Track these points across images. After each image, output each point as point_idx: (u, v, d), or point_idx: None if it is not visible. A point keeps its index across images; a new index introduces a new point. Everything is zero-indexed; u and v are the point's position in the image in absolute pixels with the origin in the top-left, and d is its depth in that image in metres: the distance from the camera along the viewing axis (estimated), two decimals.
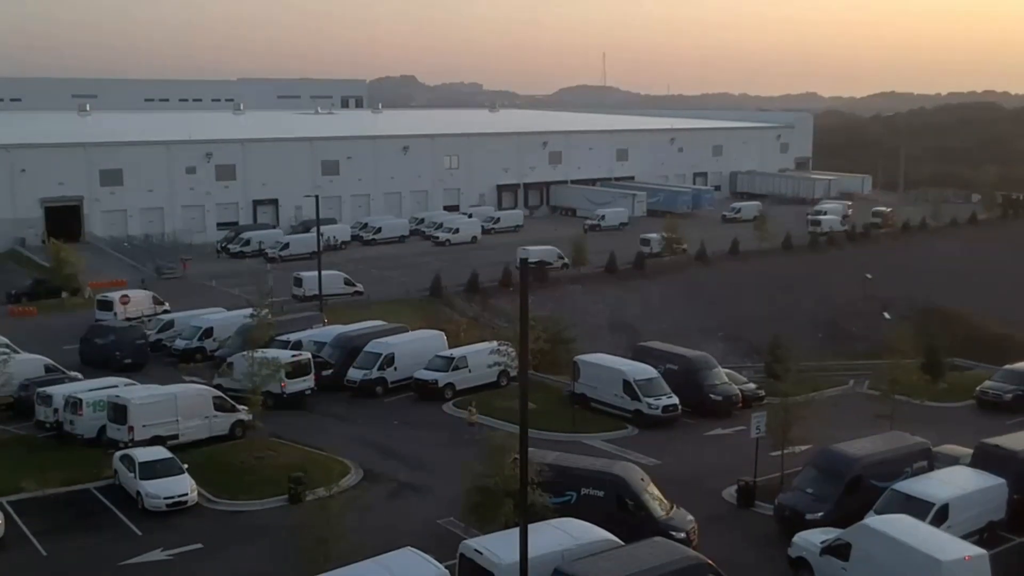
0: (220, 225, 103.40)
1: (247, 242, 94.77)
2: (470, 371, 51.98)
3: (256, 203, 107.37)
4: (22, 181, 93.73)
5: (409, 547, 27.35)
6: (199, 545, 32.85)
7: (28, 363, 49.20)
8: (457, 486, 33.06)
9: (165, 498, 35.38)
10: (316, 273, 69.96)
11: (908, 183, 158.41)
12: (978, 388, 52.95)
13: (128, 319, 62.99)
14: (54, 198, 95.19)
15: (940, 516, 31.13)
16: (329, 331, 56.97)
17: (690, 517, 32.85)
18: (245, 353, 44.85)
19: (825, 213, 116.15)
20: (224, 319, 59.30)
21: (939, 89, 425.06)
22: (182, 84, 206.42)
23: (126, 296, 70.51)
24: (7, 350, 49.49)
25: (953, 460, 37.11)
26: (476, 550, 26.91)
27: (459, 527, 32.97)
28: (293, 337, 55.97)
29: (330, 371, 52.67)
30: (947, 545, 27.91)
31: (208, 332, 58.18)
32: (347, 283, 75.35)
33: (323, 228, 78.41)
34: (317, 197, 73.72)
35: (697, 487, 38.35)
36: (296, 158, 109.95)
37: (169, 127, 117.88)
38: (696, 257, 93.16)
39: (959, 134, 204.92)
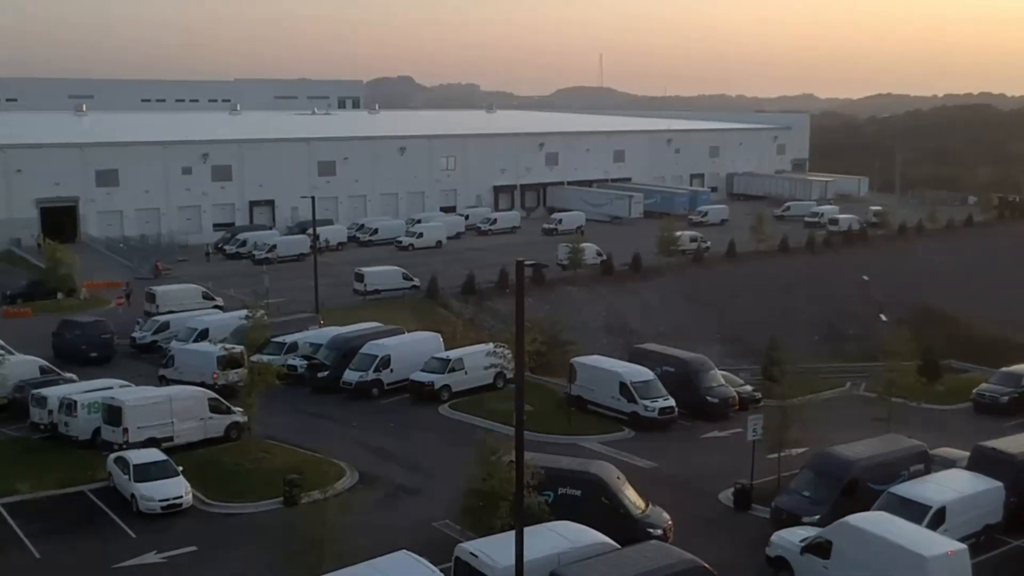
0: (216, 226, 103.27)
1: (243, 243, 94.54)
2: (466, 373, 51.85)
3: (252, 204, 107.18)
4: (18, 181, 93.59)
5: (404, 550, 27.28)
6: (194, 548, 32.73)
7: (23, 364, 49.04)
8: (452, 489, 32.97)
9: (160, 500, 35.26)
10: (378, 269, 74.93)
11: (904, 185, 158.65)
12: (975, 391, 52.95)
13: (171, 312, 63.85)
14: (50, 198, 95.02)
15: (937, 519, 31.15)
16: (325, 333, 56.84)
17: (666, 515, 33.01)
18: (182, 345, 50.15)
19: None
20: (220, 320, 59.19)
21: (935, 91, 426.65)
22: (178, 85, 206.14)
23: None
24: (1, 351, 49.42)
25: (950, 463, 37.09)
26: (472, 553, 26.85)
27: (455, 530, 32.89)
28: (289, 339, 55.89)
29: (326, 373, 52.57)
30: (930, 541, 28.17)
31: (204, 334, 58.01)
32: (405, 278, 76.06)
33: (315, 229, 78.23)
34: (313, 198, 73.63)
35: (693, 490, 38.32)
36: (293, 159, 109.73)
37: (165, 128, 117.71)
38: (693, 258, 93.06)
39: (955, 136, 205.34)
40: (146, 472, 36.10)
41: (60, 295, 72.76)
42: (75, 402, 42.28)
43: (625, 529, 30.50)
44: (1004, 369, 53.96)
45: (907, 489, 32.72)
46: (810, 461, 36.21)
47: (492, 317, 73.02)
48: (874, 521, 29.33)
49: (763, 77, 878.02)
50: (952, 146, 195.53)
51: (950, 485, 33.25)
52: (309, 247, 77.87)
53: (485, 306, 75.64)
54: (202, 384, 47.35)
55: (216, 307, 67.08)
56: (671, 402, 47.72)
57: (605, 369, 49.45)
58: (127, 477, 36.26)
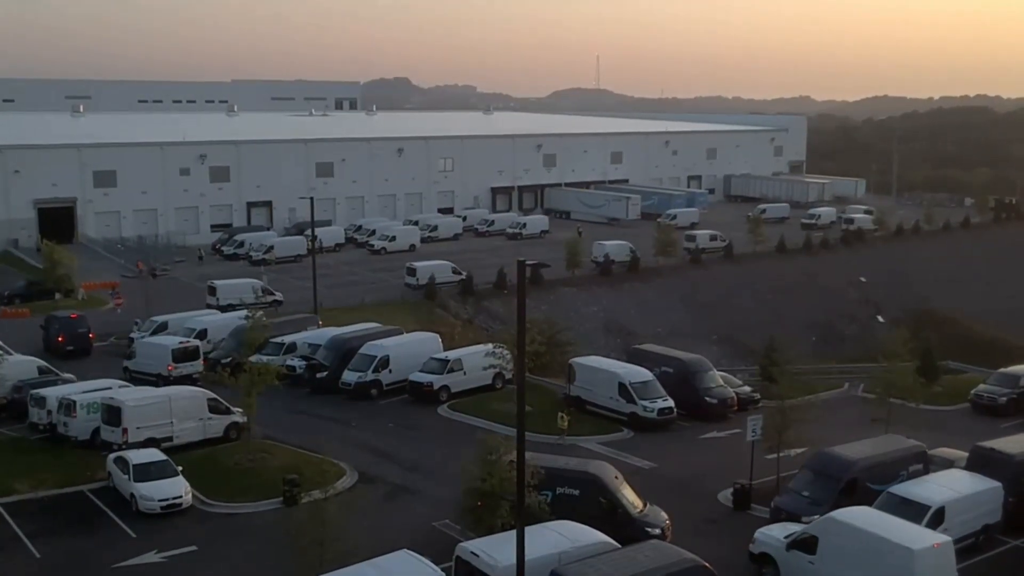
0: (214, 227, 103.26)
1: (241, 244, 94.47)
2: (465, 374, 51.86)
3: (250, 205, 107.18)
4: (15, 182, 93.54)
5: (405, 549, 27.30)
6: (193, 547, 32.70)
7: (21, 365, 49.02)
8: (452, 489, 32.97)
9: (159, 500, 35.23)
10: (429, 263, 79.75)
11: (901, 187, 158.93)
12: (973, 391, 53.07)
13: (231, 306, 65.64)
14: (47, 199, 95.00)
15: (936, 519, 31.20)
16: (324, 333, 56.81)
17: (664, 515, 33.08)
18: (144, 338, 54.77)
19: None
20: (219, 321, 59.21)
21: (932, 93, 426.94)
22: (176, 86, 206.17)
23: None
24: (0, 351, 49.36)
25: (948, 463, 37.18)
26: (472, 552, 26.86)
27: (455, 529, 32.90)
28: (288, 339, 55.87)
29: (325, 373, 52.57)
30: (916, 534, 28.31)
31: (202, 334, 58.00)
32: (454, 272, 79.63)
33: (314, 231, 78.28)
34: (311, 199, 73.65)
35: (693, 490, 38.35)
36: (290, 160, 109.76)
37: (163, 129, 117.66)
38: (692, 259, 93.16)
39: (952, 138, 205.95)
40: (146, 472, 36.07)
41: (58, 295, 72.66)
42: (74, 402, 42.24)
43: (623, 528, 30.62)
44: (1002, 370, 54.13)
45: (906, 489, 32.79)
46: (809, 461, 36.24)
47: (490, 318, 73.09)
48: (860, 516, 29.48)
49: (759, 79, 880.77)
50: (949, 148, 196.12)
51: (949, 485, 33.31)
52: (306, 248, 77.94)
53: (483, 307, 75.73)
54: (158, 375, 50.81)
55: (275, 302, 69.94)
56: (670, 403, 47.73)
57: (604, 370, 49.46)
58: (127, 477, 36.22)
